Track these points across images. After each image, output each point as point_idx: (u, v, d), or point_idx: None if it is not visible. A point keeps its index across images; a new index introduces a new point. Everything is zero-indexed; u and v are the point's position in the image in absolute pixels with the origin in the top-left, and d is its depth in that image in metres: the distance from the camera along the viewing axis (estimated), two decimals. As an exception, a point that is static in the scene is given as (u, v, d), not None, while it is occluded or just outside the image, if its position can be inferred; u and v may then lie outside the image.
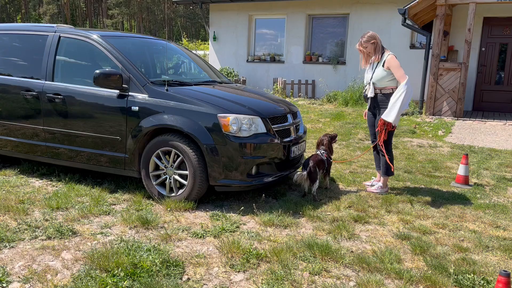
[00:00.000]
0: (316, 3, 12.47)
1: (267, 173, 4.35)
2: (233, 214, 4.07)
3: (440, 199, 4.78)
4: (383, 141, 4.71)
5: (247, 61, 13.87)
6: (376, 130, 4.80)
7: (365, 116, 5.26)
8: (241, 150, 4.08)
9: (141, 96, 4.30)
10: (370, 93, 4.82)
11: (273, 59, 13.49)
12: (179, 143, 4.13)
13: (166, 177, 4.30)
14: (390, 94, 4.65)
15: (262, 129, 4.27)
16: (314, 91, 12.87)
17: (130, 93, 4.34)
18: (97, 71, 4.20)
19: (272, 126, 4.36)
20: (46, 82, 4.72)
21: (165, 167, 4.29)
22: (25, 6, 67.32)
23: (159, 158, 4.29)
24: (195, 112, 4.12)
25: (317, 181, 4.56)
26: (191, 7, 18.06)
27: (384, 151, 4.73)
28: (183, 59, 5.66)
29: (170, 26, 65.05)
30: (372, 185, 5.07)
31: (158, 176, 4.35)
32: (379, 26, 11.99)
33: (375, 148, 4.99)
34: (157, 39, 5.65)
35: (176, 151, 4.17)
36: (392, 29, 11.81)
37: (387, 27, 11.87)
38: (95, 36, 4.60)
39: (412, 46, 11.90)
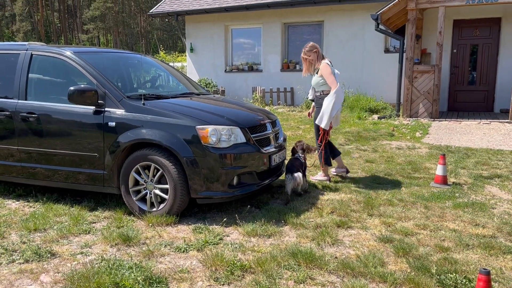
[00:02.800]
0: (291, 11, 12.61)
1: (249, 182, 4.34)
2: (216, 226, 4.04)
3: (420, 200, 4.84)
4: (318, 140, 5.57)
5: (225, 71, 13.89)
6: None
7: (309, 116, 6.09)
8: (221, 161, 4.06)
9: (117, 111, 4.25)
10: (310, 96, 5.77)
11: (251, 68, 13.55)
12: (158, 157, 4.09)
13: (147, 192, 4.25)
14: (325, 96, 5.35)
15: (241, 139, 4.26)
16: (293, 98, 12.96)
17: (106, 109, 4.28)
18: (72, 88, 4.14)
19: (252, 136, 4.37)
20: (19, 101, 4.63)
21: (145, 182, 4.24)
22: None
23: (139, 173, 4.24)
24: (173, 125, 4.10)
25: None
26: (166, 20, 18.00)
27: (322, 146, 5.51)
28: (160, 72, 5.64)
29: (147, 39, 64.81)
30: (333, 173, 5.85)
31: (139, 192, 4.29)
32: (353, 32, 12.21)
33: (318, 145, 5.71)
34: (133, 53, 5.62)
35: (156, 165, 4.13)
36: (366, 35, 12.01)
37: (361, 32, 12.07)
38: (68, 53, 4.54)
39: (387, 51, 12.13)
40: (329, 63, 5.41)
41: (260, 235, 3.83)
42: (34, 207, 4.65)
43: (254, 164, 4.33)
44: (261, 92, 12.43)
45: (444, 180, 5.45)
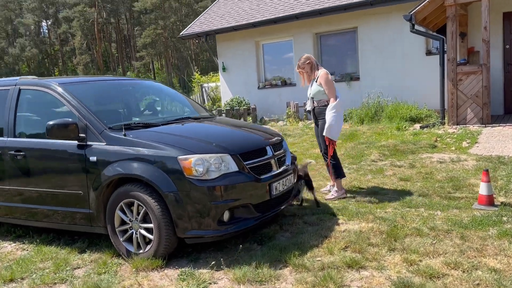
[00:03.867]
0: (321, 20, 12.01)
1: (244, 217, 3.80)
2: (205, 270, 3.53)
3: (457, 227, 4.04)
4: (325, 151, 5.32)
5: (258, 87, 13.48)
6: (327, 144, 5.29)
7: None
8: (208, 195, 3.57)
9: (98, 145, 3.91)
10: (308, 107, 5.50)
11: (284, 83, 13.03)
12: (140, 193, 3.68)
13: (133, 232, 3.84)
14: (326, 106, 5.17)
15: (233, 167, 3.75)
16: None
17: (88, 143, 3.96)
18: (50, 123, 3.86)
19: (247, 162, 3.84)
20: (8, 138, 4.44)
21: (130, 221, 3.84)
22: (62, 59, 70.82)
23: (124, 211, 3.85)
24: (154, 156, 3.67)
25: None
26: (197, 41, 18.04)
27: (328, 158, 5.25)
28: (158, 97, 5.29)
29: (197, 62, 66.21)
30: (329, 191, 5.44)
31: (126, 231, 3.90)
32: (390, 36, 11.36)
33: (325, 158, 5.43)
34: (132, 79, 5.33)
35: (139, 202, 3.72)
36: (404, 37, 11.10)
37: (399, 35, 11.19)
38: (52, 85, 4.30)
39: (429, 53, 11.12)
40: (327, 72, 5.32)
41: (252, 282, 3.27)
42: (27, 250, 4.41)
43: (250, 196, 3.79)
44: (294, 107, 11.85)
45: (489, 201, 4.58)
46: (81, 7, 60.00)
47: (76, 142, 3.99)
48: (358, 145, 8.11)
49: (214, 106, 14.11)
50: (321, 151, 5.55)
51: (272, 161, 4.13)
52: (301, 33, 12.49)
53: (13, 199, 4.44)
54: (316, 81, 5.23)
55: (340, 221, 4.48)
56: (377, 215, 4.53)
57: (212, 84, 15.74)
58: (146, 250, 3.76)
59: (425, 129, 8.86)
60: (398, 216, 4.47)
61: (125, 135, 3.85)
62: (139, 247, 3.82)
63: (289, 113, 11.83)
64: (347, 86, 11.94)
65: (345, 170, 6.61)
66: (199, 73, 17.88)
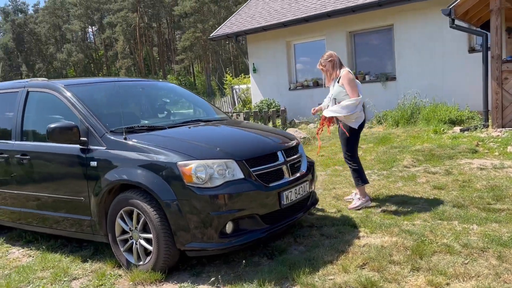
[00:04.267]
0: (355, 18, 11.48)
1: (250, 229, 3.47)
2: (205, 287, 3.24)
3: (494, 245, 3.54)
4: (347, 153, 4.95)
5: (289, 89, 13.10)
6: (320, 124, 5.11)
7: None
8: (209, 204, 3.28)
9: (99, 149, 3.72)
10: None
11: (316, 84, 12.58)
12: (139, 201, 3.44)
13: (133, 242, 3.62)
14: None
15: (238, 174, 3.45)
16: (365, 112, 11.65)
17: (89, 147, 3.78)
18: (51, 125, 3.70)
19: (254, 169, 3.53)
20: (15, 142, 4.36)
21: (130, 230, 3.61)
22: (106, 63, 73.30)
23: (124, 220, 3.63)
24: (154, 162, 3.43)
25: None
26: (227, 42, 17.89)
27: (350, 163, 4.93)
28: (171, 99, 5.07)
29: (236, 64, 66.40)
30: (353, 199, 5.05)
31: (126, 241, 3.68)
32: (430, 33, 10.67)
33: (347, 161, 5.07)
34: (145, 80, 5.15)
35: (138, 211, 3.48)
36: (445, 34, 10.39)
37: (439, 32, 10.48)
38: (57, 86, 4.16)
39: (472, 50, 10.35)
40: (350, 71, 4.86)
41: (252, 302, 2.94)
42: (33, 256, 4.29)
43: (256, 206, 3.47)
44: (326, 109, 11.38)
45: (534, 214, 4.02)
46: (124, 13, 61.79)
47: (78, 146, 3.82)
48: (391, 149, 7.58)
49: (244, 108, 13.86)
50: (344, 156, 5.11)
51: (284, 168, 3.79)
52: (334, 32, 12.02)
53: (25, 205, 4.34)
54: (338, 82, 4.84)
55: (361, 234, 4.07)
56: (403, 228, 4.09)
57: (243, 86, 15.50)
58: (145, 262, 3.52)
59: (466, 132, 8.18)
60: (427, 229, 4.01)
61: (125, 138, 3.63)
62: (139, 258, 3.59)
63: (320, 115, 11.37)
64: (382, 86, 11.36)
65: (373, 177, 6.18)
66: (230, 75, 17.71)
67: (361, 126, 4.98)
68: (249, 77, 15.03)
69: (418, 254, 3.48)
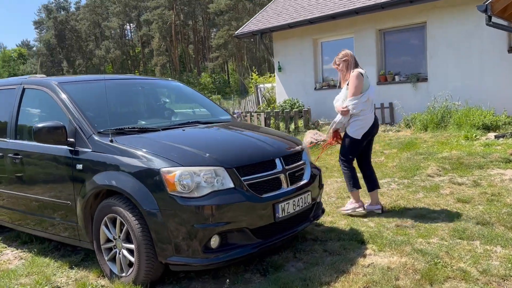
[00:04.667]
0: (385, 15, 10.91)
1: (239, 243, 3.17)
2: (185, 306, 2.97)
3: (518, 272, 3.08)
4: (342, 157, 4.73)
5: (315, 88, 12.65)
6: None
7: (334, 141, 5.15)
8: (193, 216, 3.00)
9: (85, 151, 3.51)
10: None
11: (343, 84, 12.08)
12: (121, 209, 3.21)
13: (116, 251, 3.39)
14: (360, 111, 4.51)
15: (227, 183, 3.15)
16: (393, 115, 11.08)
17: (76, 148, 3.58)
18: (37, 125, 3.53)
19: (246, 178, 3.22)
20: (10, 140, 4.23)
21: (114, 239, 3.39)
22: (142, 60, 74.68)
23: (108, 228, 3.41)
24: (137, 167, 3.18)
25: None
26: (252, 40, 17.58)
27: (342, 166, 4.73)
28: (172, 99, 4.82)
29: (269, 62, 66.01)
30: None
31: (111, 250, 3.46)
32: (466, 31, 9.97)
33: (360, 167, 4.85)
34: (148, 78, 4.94)
35: (121, 219, 3.25)
36: (483, 32, 9.66)
37: (476, 30, 9.77)
38: (50, 83, 3.99)
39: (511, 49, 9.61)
40: (362, 74, 4.45)
41: (231, 329, 2.64)
42: (24, 258, 4.16)
43: (246, 218, 3.16)
44: (352, 110, 10.88)
45: None
46: (160, 10, 62.66)
47: (65, 147, 3.63)
48: (415, 155, 7.06)
49: (268, 108, 13.53)
50: (339, 156, 4.85)
51: (282, 176, 3.46)
52: (362, 29, 11.49)
53: (18, 206, 4.22)
54: (348, 84, 4.59)
55: (367, 252, 3.68)
56: (416, 247, 3.67)
57: (268, 85, 15.17)
58: (128, 273, 3.29)
59: (501, 139, 7.54)
60: (443, 250, 3.58)
61: (111, 141, 3.40)
62: (122, 269, 3.36)
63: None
64: (412, 87, 10.74)
65: (392, 186, 5.74)
66: (256, 73, 17.41)
67: (369, 134, 4.58)
68: (274, 75, 14.67)
69: (428, 279, 3.08)
